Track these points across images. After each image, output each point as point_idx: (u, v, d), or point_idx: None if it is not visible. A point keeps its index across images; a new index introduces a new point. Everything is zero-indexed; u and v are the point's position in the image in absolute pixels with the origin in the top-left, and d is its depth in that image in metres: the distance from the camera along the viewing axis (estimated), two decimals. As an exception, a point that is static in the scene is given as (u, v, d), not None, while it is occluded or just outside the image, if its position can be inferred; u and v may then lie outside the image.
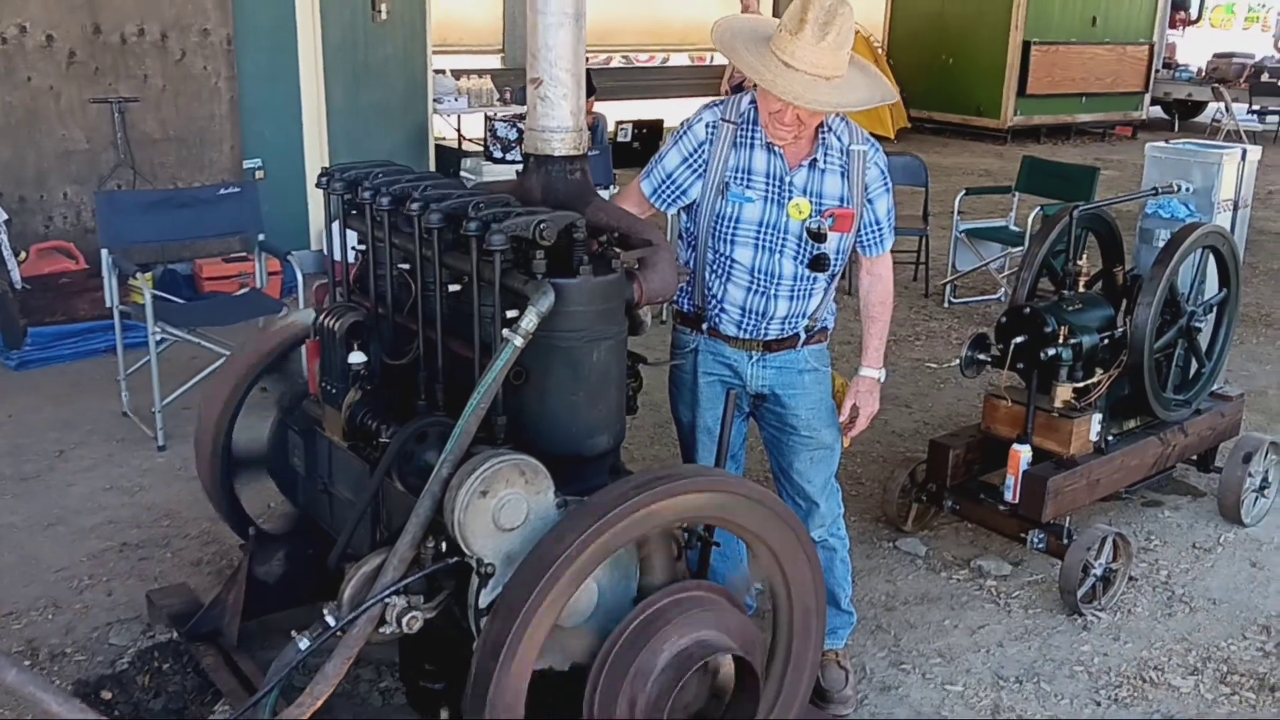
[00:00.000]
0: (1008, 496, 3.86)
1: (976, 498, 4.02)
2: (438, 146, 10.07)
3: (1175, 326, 4.03)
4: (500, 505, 2.25)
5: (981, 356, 3.95)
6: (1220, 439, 4.46)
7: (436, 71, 10.18)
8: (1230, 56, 17.06)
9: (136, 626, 3.45)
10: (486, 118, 9.90)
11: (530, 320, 2.33)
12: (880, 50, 15.67)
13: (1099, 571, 3.72)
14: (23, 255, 6.04)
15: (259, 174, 6.96)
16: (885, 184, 2.94)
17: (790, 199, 2.83)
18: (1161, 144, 4.44)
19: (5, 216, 5.91)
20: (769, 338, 2.97)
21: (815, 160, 2.84)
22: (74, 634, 3.43)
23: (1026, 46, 14.45)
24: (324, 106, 7.17)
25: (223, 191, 5.30)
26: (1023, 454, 3.82)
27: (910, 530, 4.24)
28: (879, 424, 5.30)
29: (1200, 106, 17.24)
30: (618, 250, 2.61)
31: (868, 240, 2.99)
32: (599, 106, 12.05)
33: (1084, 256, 4.09)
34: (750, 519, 2.46)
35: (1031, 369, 3.82)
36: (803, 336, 3.00)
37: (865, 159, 2.89)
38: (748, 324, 2.95)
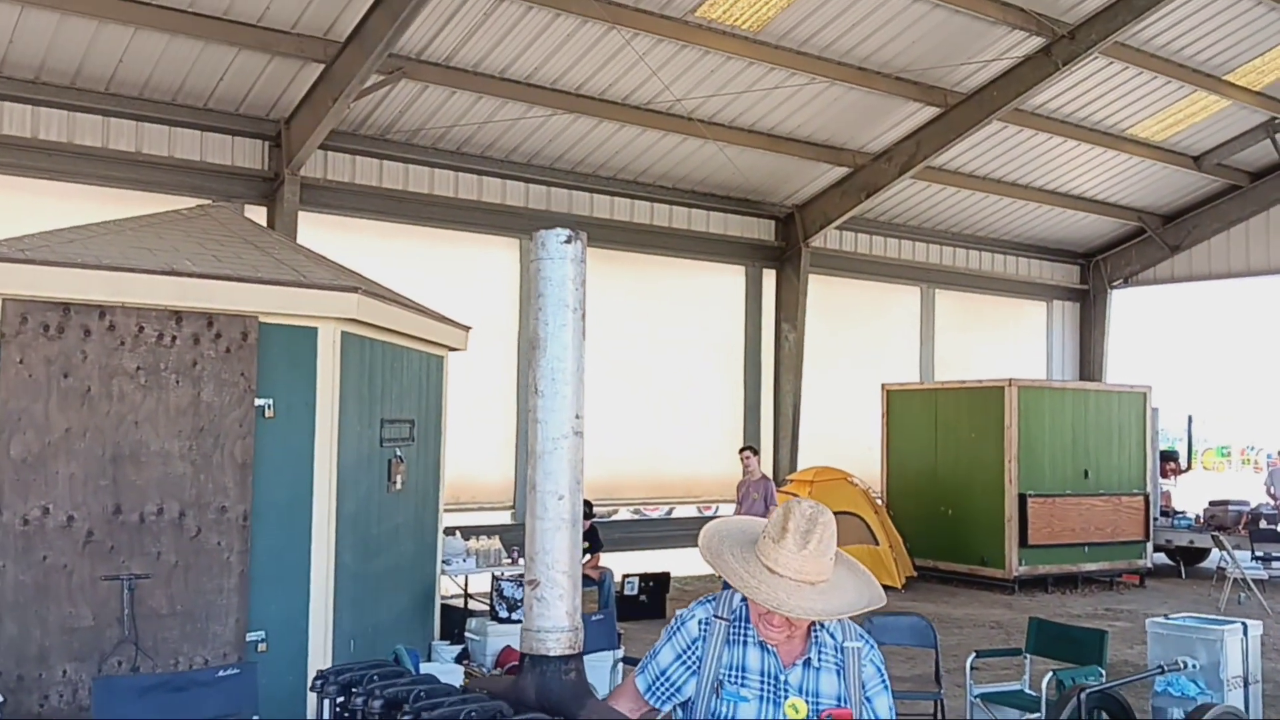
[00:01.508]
0: None
1: None
2: (444, 606, 10.11)
3: (1205, 815, 3.83)
4: None
5: None
6: None
7: (446, 532, 10.44)
8: (1226, 504, 17.43)
9: None
10: (494, 577, 10.02)
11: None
12: (880, 502, 16.10)
13: None
14: (11, 739, 5.89)
15: (261, 646, 6.94)
16: (883, 681, 2.94)
17: (786, 698, 2.81)
18: (1162, 620, 4.45)
19: (0, 699, 5.83)
20: None
21: (809, 659, 2.85)
22: None
23: (1023, 499, 14.83)
24: (333, 575, 7.26)
25: (221, 674, 5.26)
26: None
27: None
28: None
29: (1204, 553, 17.35)
30: (610, 761, 2.56)
31: None
32: (605, 560, 12.23)
33: (1098, 740, 3.96)
34: None
35: None
36: None
37: (860, 656, 2.90)
38: None
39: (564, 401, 2.86)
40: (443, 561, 10.03)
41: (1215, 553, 16.15)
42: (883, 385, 17.07)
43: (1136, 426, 16.12)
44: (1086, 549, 15.45)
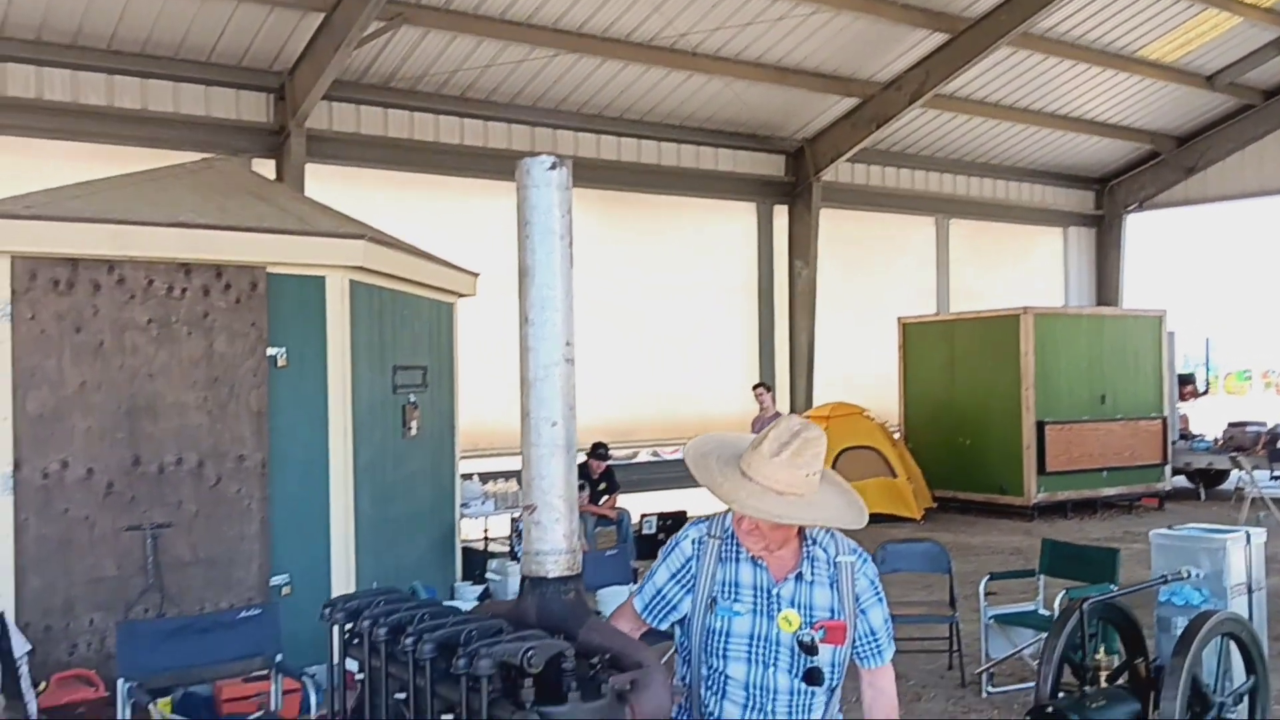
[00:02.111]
0: None
1: None
2: (464, 549, 10.23)
3: (1207, 719, 3.89)
4: None
5: (1010, 759, 3.80)
6: (1281, 840, 4.16)
7: (464, 477, 10.55)
8: (1244, 425, 17.42)
9: None
10: (512, 519, 10.12)
11: (516, 756, 2.31)
12: (898, 436, 16.14)
13: None
14: (43, 685, 6.03)
15: (285, 590, 7.06)
16: (877, 594, 2.98)
17: (779, 611, 2.87)
18: (1166, 530, 4.48)
19: (29, 647, 5.97)
20: None
21: (801, 573, 2.90)
22: None
23: (1041, 426, 14.84)
24: (352, 520, 7.37)
25: (243, 615, 5.37)
26: None
27: None
28: (918, 835, 5.03)
29: (1223, 474, 17.37)
30: (609, 674, 2.61)
31: (864, 652, 2.98)
32: (623, 500, 12.34)
33: (1101, 650, 4.01)
34: None
35: (1062, 772, 3.66)
36: None
37: (854, 570, 2.94)
38: None
39: (553, 329, 2.88)
40: (461, 505, 10.14)
41: (1234, 474, 16.18)
42: (898, 318, 17.04)
43: (1153, 351, 16.07)
44: (1105, 474, 15.48)
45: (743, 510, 2.76)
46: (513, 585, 9.47)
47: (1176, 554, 4.28)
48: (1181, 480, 17.57)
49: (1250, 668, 4.11)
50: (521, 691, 2.43)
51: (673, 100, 15.88)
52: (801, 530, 2.93)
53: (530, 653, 2.43)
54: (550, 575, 2.84)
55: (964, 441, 15.71)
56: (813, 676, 2.85)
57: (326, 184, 13.06)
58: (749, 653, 2.88)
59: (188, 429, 6.74)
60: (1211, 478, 17.38)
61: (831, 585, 2.92)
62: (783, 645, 2.87)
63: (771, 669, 2.87)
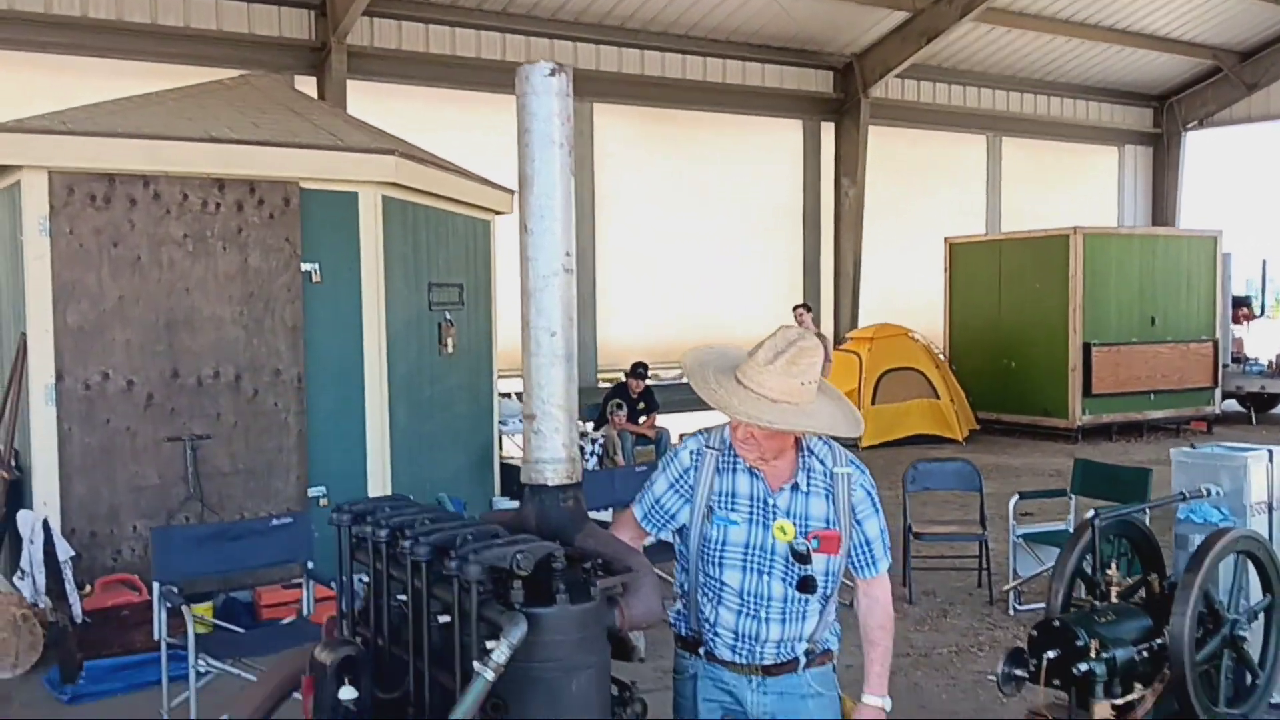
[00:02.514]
0: (1057, 826, 3.62)
1: (1025, 827, 3.78)
2: (504, 465, 10.36)
3: (1218, 636, 3.88)
4: None
5: (1018, 672, 3.83)
6: (1292, 756, 4.17)
7: (503, 395, 10.64)
8: (1300, 348, 17.08)
9: None
10: (549, 438, 10.19)
11: (502, 652, 2.36)
12: (943, 357, 16.02)
13: None
14: (88, 589, 6.25)
15: (323, 501, 7.21)
16: (874, 505, 2.99)
17: (774, 521, 2.89)
18: (1188, 449, 4.44)
19: (72, 553, 6.17)
20: (766, 662, 2.94)
21: (797, 484, 2.92)
22: None
23: (1087, 348, 14.65)
24: (388, 435, 7.49)
25: (275, 523, 5.50)
26: (1068, 777, 3.62)
27: None
28: (934, 745, 5.11)
29: (1276, 399, 17.10)
30: (599, 576, 2.66)
31: (859, 562, 3.00)
32: (663, 420, 12.41)
33: (1113, 565, 4.01)
34: None
35: (1068, 685, 3.68)
36: (802, 660, 2.97)
37: (850, 481, 2.95)
38: (742, 648, 2.94)
39: (553, 238, 2.87)
40: (500, 423, 10.25)
41: (1288, 398, 15.91)
42: (945, 238, 16.80)
43: (1207, 272, 15.72)
44: (1152, 397, 15.28)
45: (735, 416, 2.77)
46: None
47: (1197, 471, 4.24)
48: (1233, 404, 17.31)
49: (1267, 586, 4.08)
50: (511, 593, 2.47)
51: (719, 14, 15.62)
52: (798, 442, 2.94)
53: (519, 556, 2.47)
54: (549, 483, 2.87)
55: (1009, 363, 15.56)
56: (806, 585, 2.87)
57: (368, 101, 13.07)
58: (744, 561, 2.92)
59: (225, 343, 6.86)
60: (1263, 401, 17.12)
61: (827, 496, 2.93)
62: (777, 554, 2.90)
63: (766, 577, 2.91)
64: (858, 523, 2.96)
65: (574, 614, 2.52)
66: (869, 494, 2.98)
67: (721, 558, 2.93)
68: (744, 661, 2.95)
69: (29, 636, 6.02)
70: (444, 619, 2.67)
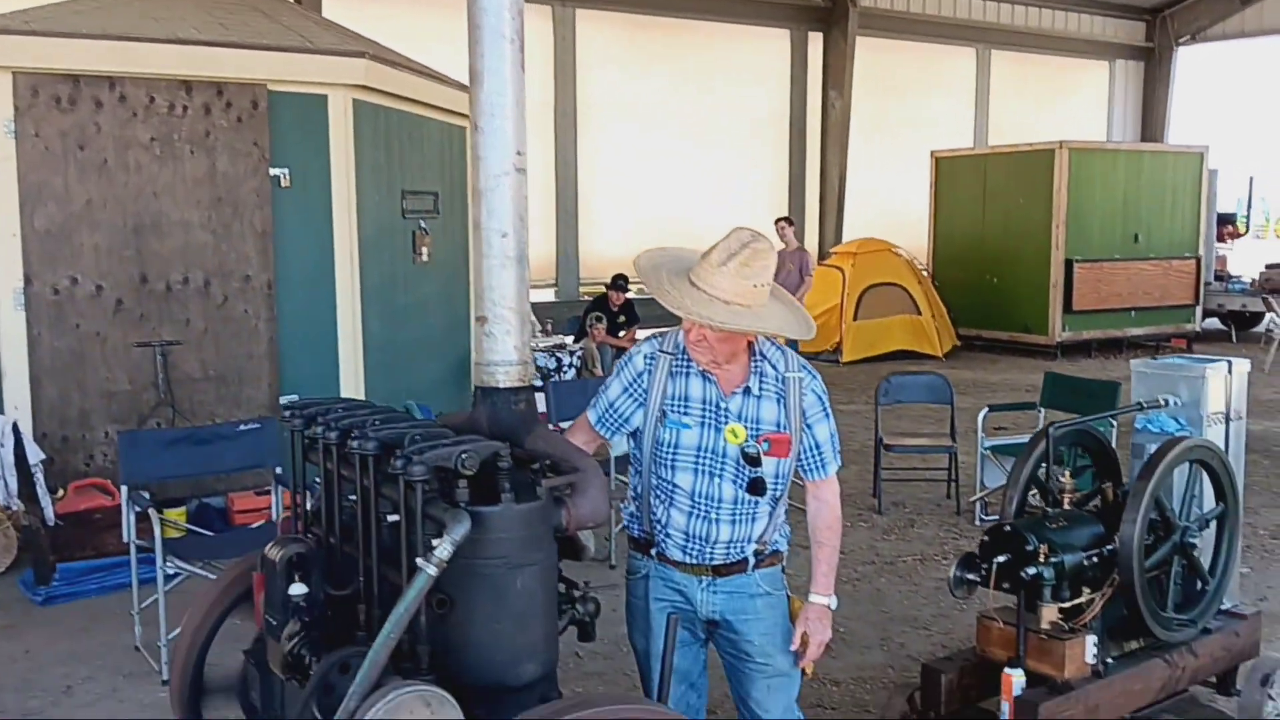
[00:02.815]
0: (1003, 724, 3.71)
1: (973, 726, 3.87)
2: (481, 377, 10.36)
3: (1169, 543, 3.93)
4: (405, 737, 2.24)
5: (970, 576, 3.88)
6: (1238, 659, 4.25)
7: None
8: (1281, 266, 17.10)
9: None
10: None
11: (445, 548, 2.38)
12: (925, 273, 16.00)
13: (1100, 806, 3.52)
14: (61, 493, 6.28)
15: (296, 408, 7.21)
16: (824, 410, 3.00)
17: (726, 424, 2.90)
18: (1148, 360, 4.45)
19: (43, 456, 6.19)
20: (715, 562, 2.98)
21: (749, 388, 2.92)
22: None
23: (1069, 264, 14.65)
24: (361, 343, 7.47)
25: (243, 428, 5.50)
26: (1015, 678, 3.69)
27: (913, 761, 4.06)
28: (893, 646, 5.21)
29: (1258, 317, 17.16)
30: (546, 476, 2.67)
31: (808, 465, 3.02)
32: (643, 333, 12.42)
33: (1066, 474, 4.05)
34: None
35: (1017, 589, 3.73)
36: (752, 560, 3.00)
37: (802, 385, 2.96)
38: (693, 548, 2.97)
39: (504, 137, 2.83)
40: (478, 332, 10.20)
41: (1268, 316, 15.97)
42: (931, 152, 16.67)
43: (1192, 188, 15.67)
44: (1133, 314, 15.34)
45: (687, 316, 2.77)
46: (527, 411, 9.60)
47: (1156, 382, 4.26)
48: (1214, 322, 17.38)
49: (1220, 495, 4.13)
50: (456, 492, 2.49)
51: (704, -82, 15.29)
52: (751, 346, 2.94)
53: (464, 455, 2.48)
54: (501, 386, 2.87)
55: (991, 279, 15.57)
56: (756, 487, 2.90)
57: (346, 10, 12.81)
58: (696, 464, 2.94)
59: (193, 248, 6.80)
60: (1245, 320, 17.19)
61: (779, 400, 2.94)
62: (728, 457, 2.92)
63: (717, 479, 2.93)
64: (808, 426, 2.98)
65: (519, 512, 2.54)
66: (820, 398, 2.99)
67: (674, 460, 2.95)
68: (694, 562, 2.98)
69: (2, 539, 6.06)
70: (393, 518, 2.70)
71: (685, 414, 2.94)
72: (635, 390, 3.00)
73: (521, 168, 2.90)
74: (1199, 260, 15.84)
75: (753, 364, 2.94)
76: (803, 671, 3.08)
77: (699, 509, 2.95)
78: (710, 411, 2.93)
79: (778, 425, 2.93)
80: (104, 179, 6.57)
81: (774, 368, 2.96)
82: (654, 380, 2.98)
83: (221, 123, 6.79)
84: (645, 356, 3.01)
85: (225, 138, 6.80)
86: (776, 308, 2.84)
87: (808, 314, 2.99)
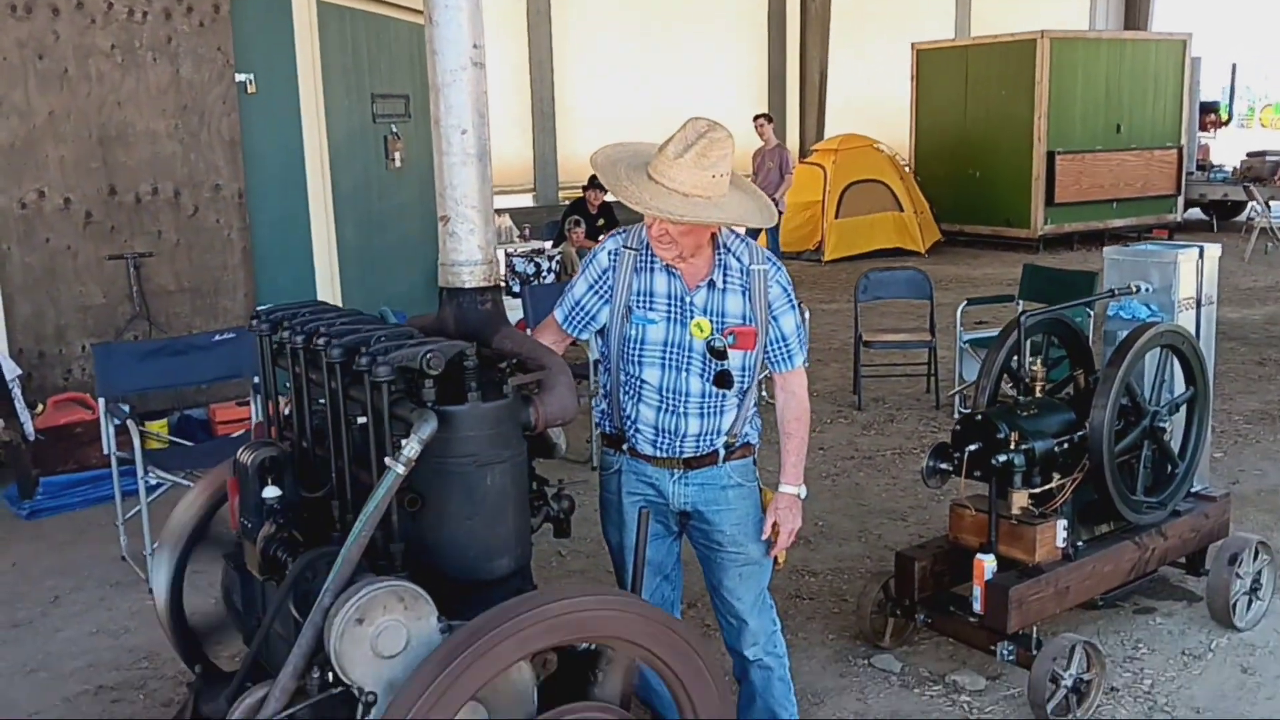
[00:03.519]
0: (975, 608, 3.78)
1: (946, 610, 3.94)
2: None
3: (1139, 428, 3.97)
4: (378, 632, 2.27)
5: (943, 465, 3.93)
6: (1207, 540, 4.33)
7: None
8: (1264, 155, 17.02)
9: (95, 769, 3.49)
10: (506, 254, 10.15)
11: (412, 447, 2.39)
12: (907, 168, 15.89)
13: (1069, 682, 3.61)
14: (40, 408, 6.27)
15: (273, 319, 7.18)
16: (790, 302, 3.00)
17: (691, 318, 2.90)
18: (1120, 247, 4.45)
19: (19, 371, 6.17)
20: (686, 455, 3.00)
21: (714, 281, 2.91)
22: (33, 778, 3.47)
23: (1051, 157, 14.55)
24: (335, 250, 7.42)
25: (218, 338, 5.49)
26: (986, 563, 3.75)
27: (889, 646, 4.16)
28: (870, 538, 5.30)
29: (1240, 206, 17.13)
30: (513, 375, 2.67)
31: (775, 357, 3.03)
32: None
33: (1038, 362, 4.07)
34: (643, 638, 2.44)
35: (989, 476, 3.78)
36: (722, 453, 3.02)
37: (766, 278, 2.95)
38: (663, 442, 2.99)
39: (460, 30, 2.76)
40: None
41: (1250, 205, 15.95)
42: (912, 44, 16.42)
43: (1174, 77, 15.52)
44: (1115, 205, 15.30)
45: (645, 210, 2.74)
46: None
47: (1128, 269, 4.26)
48: (1197, 212, 17.36)
49: (1190, 379, 4.16)
50: (423, 391, 2.49)
51: None
52: (715, 239, 2.92)
53: (429, 355, 2.47)
54: (467, 285, 2.85)
55: (973, 174, 15.46)
56: (722, 380, 2.90)
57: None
58: (663, 359, 2.94)
59: (161, 158, 6.70)
60: (1227, 209, 17.17)
61: (744, 293, 2.93)
62: (695, 351, 2.92)
63: (684, 374, 2.93)
64: (774, 318, 2.97)
65: (486, 411, 2.54)
66: (785, 290, 2.98)
67: (641, 356, 2.95)
68: (665, 455, 3.00)
69: (-17, 455, 6.06)
70: (362, 420, 2.70)
71: (651, 309, 2.94)
72: (600, 287, 2.99)
73: (479, 61, 2.84)
74: (1181, 150, 15.75)
75: (717, 257, 2.93)
76: (775, 560, 3.13)
77: (667, 403, 2.96)
78: (675, 306, 2.92)
79: (743, 318, 2.93)
80: (66, 90, 6.44)
81: (738, 260, 2.94)
82: (619, 276, 2.96)
83: (183, 27, 6.64)
84: (610, 253, 3.00)
85: (188, 43, 6.66)
86: (737, 197, 2.81)
87: (769, 201, 2.97)
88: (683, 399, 2.94)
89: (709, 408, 2.96)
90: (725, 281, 2.92)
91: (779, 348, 3.01)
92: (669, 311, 2.92)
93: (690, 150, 2.72)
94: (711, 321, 2.90)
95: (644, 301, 2.94)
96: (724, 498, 3.04)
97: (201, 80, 6.71)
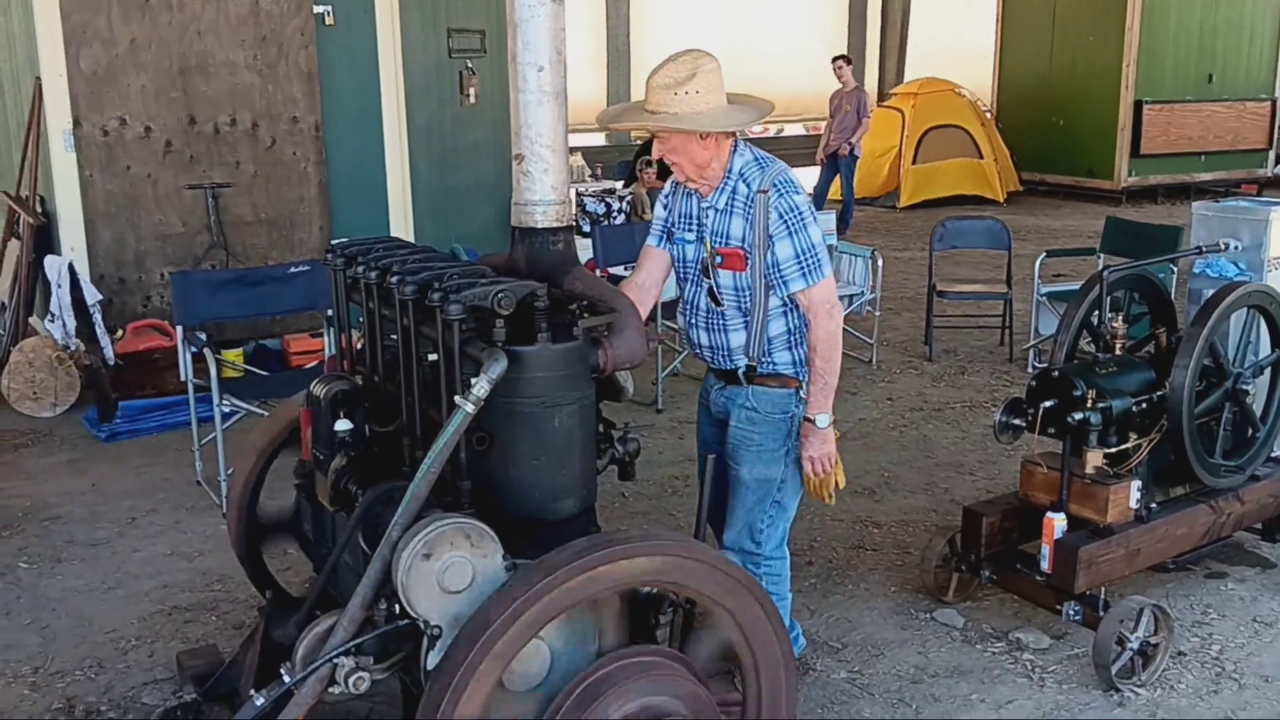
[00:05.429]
0: (1043, 566, 3.73)
1: (1013, 567, 3.90)
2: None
3: (1221, 389, 3.87)
4: (444, 568, 2.30)
5: (1016, 421, 3.86)
6: (1286, 507, 4.23)
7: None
8: (1363, 109, 16.32)
9: (169, 687, 3.59)
10: (577, 193, 10.12)
11: (481, 387, 2.40)
12: (989, 115, 15.52)
13: (1135, 645, 3.56)
14: (119, 333, 6.41)
15: (347, 252, 7.25)
16: (787, 227, 3.03)
17: (706, 237, 3.14)
18: (1210, 203, 4.31)
19: (100, 297, 6.30)
20: (716, 367, 3.27)
21: (716, 204, 3.11)
22: (111, 693, 3.59)
23: (1139, 106, 14.11)
24: (409, 187, 7.44)
25: (293, 270, 5.54)
26: (1056, 522, 3.70)
27: (951, 601, 4.12)
28: (937, 491, 5.24)
29: (1335, 162, 16.53)
30: (583, 317, 2.66)
31: (771, 281, 3.09)
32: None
33: (1119, 319, 3.97)
34: (705, 584, 2.45)
35: (1063, 434, 3.71)
36: (743, 373, 3.18)
37: (767, 203, 3.02)
38: (703, 353, 3.29)
39: (540, -36, 2.74)
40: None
41: (1346, 161, 15.38)
42: (999, -15, 15.95)
43: (1272, 25, 14.90)
44: (1203, 158, 14.82)
45: (611, 124, 3.32)
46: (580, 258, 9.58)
47: (1218, 225, 4.14)
48: (1288, 167, 16.76)
49: (1277, 342, 4.04)
50: (494, 331, 2.49)
51: None
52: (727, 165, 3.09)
53: (500, 295, 2.47)
54: (539, 225, 2.84)
55: (1057, 121, 15.05)
56: (710, 295, 3.15)
57: None
58: (689, 276, 3.22)
59: (240, 89, 6.75)
60: (1321, 165, 16.54)
61: (745, 216, 3.05)
62: (702, 268, 3.18)
63: (698, 289, 3.22)
64: (771, 243, 3.03)
65: (556, 352, 2.54)
66: (782, 216, 3.02)
67: (683, 273, 3.26)
68: (711, 365, 3.31)
69: (66, 377, 6.23)
70: (433, 357, 2.72)
71: (687, 230, 3.21)
72: (668, 214, 3.30)
73: (559, -3, 2.81)
74: (1275, 103, 15.19)
75: (725, 181, 3.08)
76: (821, 497, 3.21)
77: (688, 316, 3.28)
78: (698, 228, 3.16)
79: (741, 240, 3.06)
80: (147, 18, 6.50)
81: (747, 185, 3.07)
82: (675, 201, 3.27)
83: (263, -42, 6.65)
84: (671, 181, 3.27)
85: (267, -26, 6.67)
86: (708, 110, 2.94)
87: (754, 106, 3.09)
88: (696, 313, 3.24)
89: (713, 325, 3.19)
90: (730, 205, 3.09)
91: (773, 273, 3.07)
92: (698, 232, 3.16)
93: (657, 73, 2.96)
94: (713, 241, 3.10)
95: (683, 224, 3.22)
96: (738, 415, 3.23)
97: (280, 11, 6.73)
